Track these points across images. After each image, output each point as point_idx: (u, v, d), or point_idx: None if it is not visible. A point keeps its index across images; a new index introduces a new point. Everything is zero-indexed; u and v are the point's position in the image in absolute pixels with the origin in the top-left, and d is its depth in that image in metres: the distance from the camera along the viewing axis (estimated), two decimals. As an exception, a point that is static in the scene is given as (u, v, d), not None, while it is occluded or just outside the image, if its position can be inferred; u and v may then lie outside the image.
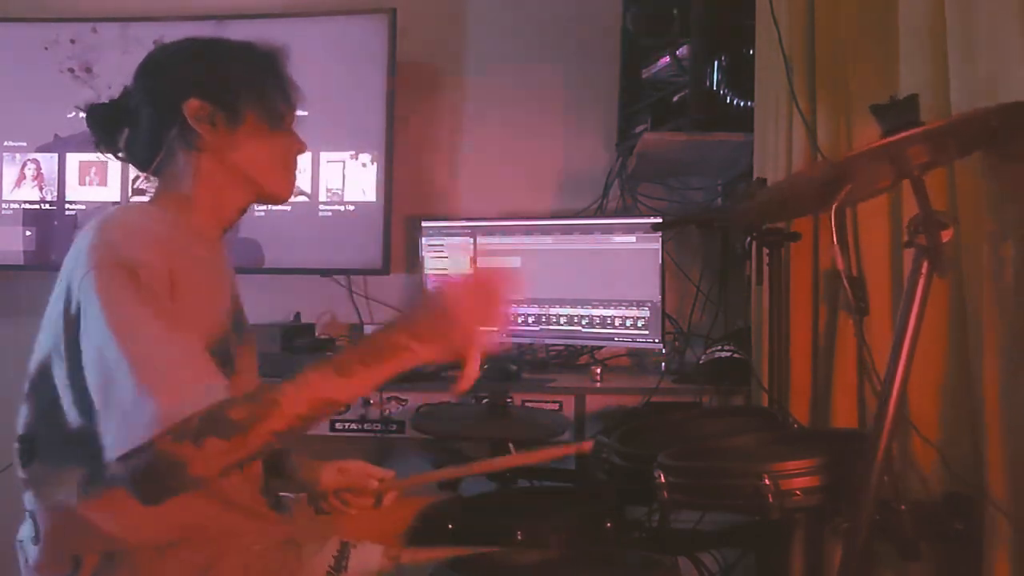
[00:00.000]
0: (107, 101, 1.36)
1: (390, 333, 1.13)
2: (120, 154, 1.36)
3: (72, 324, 1.12)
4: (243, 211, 1.38)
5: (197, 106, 1.28)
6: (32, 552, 1.24)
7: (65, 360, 1.15)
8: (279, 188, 1.37)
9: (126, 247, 1.15)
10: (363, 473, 1.59)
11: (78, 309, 1.11)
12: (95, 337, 1.08)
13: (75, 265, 1.14)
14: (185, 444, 1.02)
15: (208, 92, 1.29)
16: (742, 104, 2.25)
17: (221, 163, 1.31)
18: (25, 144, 2.87)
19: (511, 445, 1.97)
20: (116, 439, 1.04)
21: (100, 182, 2.84)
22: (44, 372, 1.20)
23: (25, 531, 1.26)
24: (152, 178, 1.34)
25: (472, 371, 1.14)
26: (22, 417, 1.25)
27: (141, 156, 1.34)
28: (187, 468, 1.04)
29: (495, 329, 1.14)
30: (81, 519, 1.20)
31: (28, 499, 1.25)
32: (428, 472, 1.55)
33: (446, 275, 1.13)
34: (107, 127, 1.35)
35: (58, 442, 1.20)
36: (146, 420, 1.02)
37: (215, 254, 1.35)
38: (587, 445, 1.41)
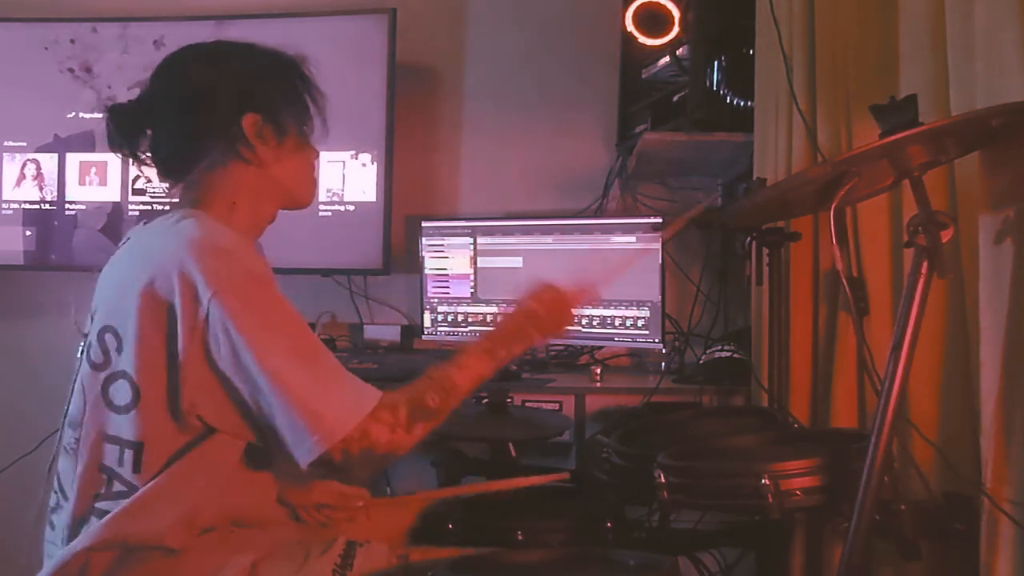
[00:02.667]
0: (128, 101, 1.36)
1: (520, 322, 1.38)
2: (144, 156, 1.36)
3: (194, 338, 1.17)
4: (272, 220, 1.43)
5: (254, 120, 1.31)
6: (58, 554, 1.23)
7: (166, 372, 1.18)
8: (309, 197, 1.45)
9: (245, 260, 1.23)
10: (337, 492, 1.58)
11: (219, 328, 1.16)
12: (255, 360, 1.15)
13: (195, 288, 1.17)
14: (398, 432, 1.20)
15: (261, 107, 1.32)
16: (742, 104, 2.25)
17: (265, 176, 1.35)
18: (25, 144, 2.87)
19: (511, 446, 1.98)
20: (298, 453, 1.17)
21: (100, 182, 2.84)
22: (107, 372, 1.22)
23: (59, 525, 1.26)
24: (181, 186, 1.36)
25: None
26: (74, 405, 1.27)
27: (172, 164, 1.35)
28: (400, 451, 1.21)
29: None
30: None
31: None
32: (417, 493, 1.60)
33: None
34: (130, 128, 1.34)
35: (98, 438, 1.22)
36: (315, 436, 1.15)
37: None
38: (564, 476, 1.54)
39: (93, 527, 1.20)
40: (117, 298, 1.23)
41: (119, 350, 1.22)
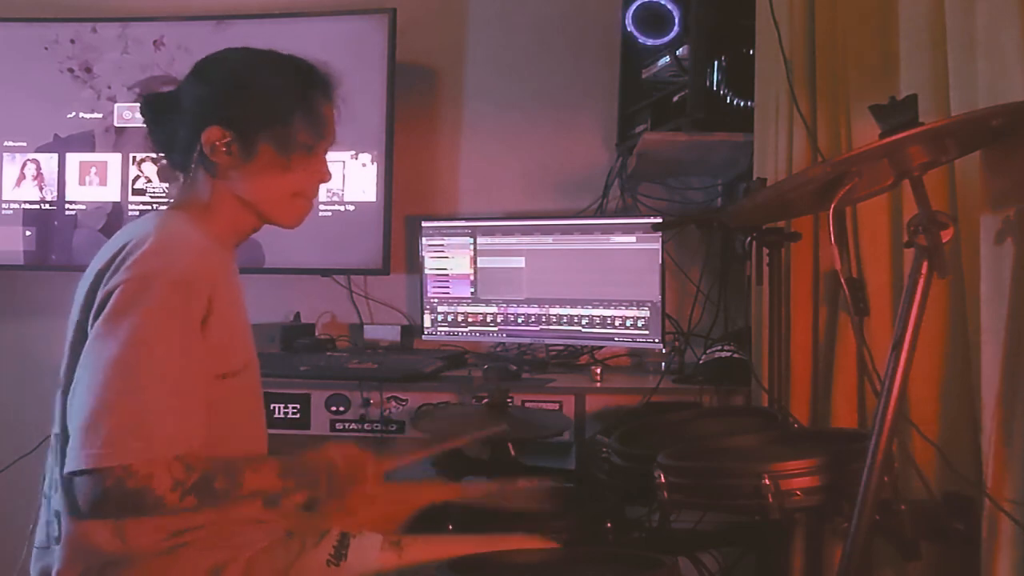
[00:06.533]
0: (161, 92, 1.38)
1: (318, 464, 1.28)
2: (161, 152, 1.38)
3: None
4: (256, 229, 1.40)
5: (217, 135, 1.29)
6: (56, 556, 1.23)
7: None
8: (285, 220, 1.40)
9: (178, 261, 1.19)
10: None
11: (109, 309, 1.14)
12: (103, 354, 1.12)
13: (119, 269, 1.17)
14: (176, 492, 1.11)
15: (229, 121, 1.29)
16: (742, 104, 2.26)
17: (232, 190, 1.33)
18: (25, 144, 2.87)
19: (511, 445, 1.98)
20: (76, 457, 1.10)
21: (100, 182, 2.83)
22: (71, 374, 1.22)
23: (52, 531, 1.26)
24: (176, 180, 1.37)
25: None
26: (56, 414, 1.27)
27: (177, 160, 1.36)
28: (161, 511, 1.13)
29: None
30: (80, 534, 1.21)
31: (57, 499, 1.25)
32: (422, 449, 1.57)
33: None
34: (156, 117, 1.36)
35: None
36: (103, 452, 1.08)
37: (232, 262, 1.38)
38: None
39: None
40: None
41: None
